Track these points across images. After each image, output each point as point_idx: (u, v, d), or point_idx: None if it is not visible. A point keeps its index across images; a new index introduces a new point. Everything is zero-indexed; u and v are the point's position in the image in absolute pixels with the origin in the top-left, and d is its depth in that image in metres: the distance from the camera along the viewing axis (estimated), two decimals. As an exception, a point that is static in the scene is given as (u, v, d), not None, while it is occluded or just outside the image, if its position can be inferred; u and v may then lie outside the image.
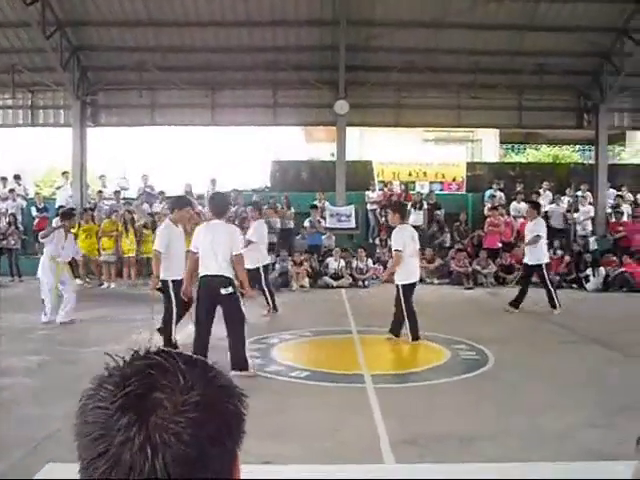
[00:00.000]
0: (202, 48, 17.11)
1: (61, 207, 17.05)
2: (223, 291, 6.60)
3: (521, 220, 17.28)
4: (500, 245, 16.29)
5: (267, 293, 10.71)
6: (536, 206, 12.28)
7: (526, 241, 11.55)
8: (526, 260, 11.53)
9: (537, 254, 11.25)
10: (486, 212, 17.33)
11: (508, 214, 17.35)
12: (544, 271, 11.25)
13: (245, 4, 16.00)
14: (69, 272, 10.08)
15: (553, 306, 11.16)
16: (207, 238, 6.76)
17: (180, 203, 8.24)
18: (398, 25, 16.27)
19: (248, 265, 9.22)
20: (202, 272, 6.75)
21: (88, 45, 17.47)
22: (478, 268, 15.36)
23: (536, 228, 11.39)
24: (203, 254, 6.76)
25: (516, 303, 11.30)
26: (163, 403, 0.75)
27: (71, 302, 9.83)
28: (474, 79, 17.70)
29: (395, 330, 8.52)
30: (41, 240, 10.01)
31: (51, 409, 5.81)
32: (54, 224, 10.15)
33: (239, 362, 6.49)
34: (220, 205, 7.18)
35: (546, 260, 11.49)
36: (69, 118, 18.47)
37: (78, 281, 15.06)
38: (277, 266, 14.59)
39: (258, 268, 10.42)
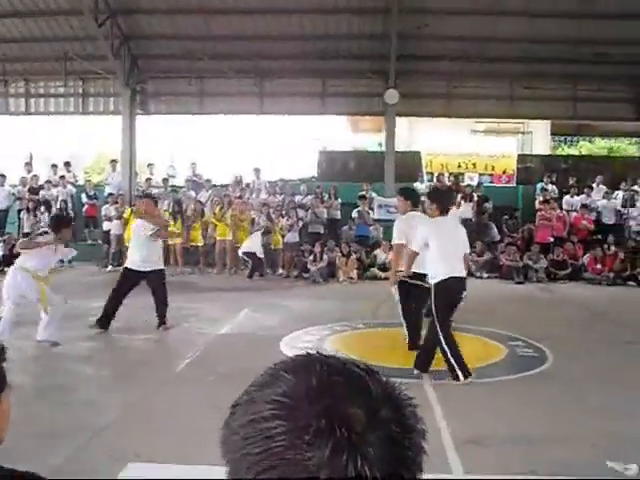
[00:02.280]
0: (252, 36, 17.02)
1: (110, 195, 17.28)
2: (464, 295, 6.31)
3: (574, 214, 16.86)
4: (552, 240, 15.91)
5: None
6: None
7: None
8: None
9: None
10: (537, 205, 16.93)
11: (560, 208, 16.92)
12: None
13: (296, -9, 15.87)
14: (52, 285, 7.93)
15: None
16: (445, 236, 6.33)
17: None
18: (451, 13, 15.92)
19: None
20: (448, 273, 6.21)
21: (139, 33, 17.56)
22: (529, 263, 14.99)
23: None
24: (444, 254, 6.25)
25: None
26: (360, 419, 0.65)
27: (56, 320, 7.71)
28: (528, 69, 17.29)
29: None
30: (19, 250, 7.80)
31: (108, 397, 5.80)
32: (42, 237, 7.77)
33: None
34: (448, 200, 6.90)
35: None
36: (119, 106, 18.64)
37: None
38: (325, 256, 14.48)
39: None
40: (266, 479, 0.64)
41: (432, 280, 6.36)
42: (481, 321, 9.01)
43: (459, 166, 19.39)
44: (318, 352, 0.75)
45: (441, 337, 6.13)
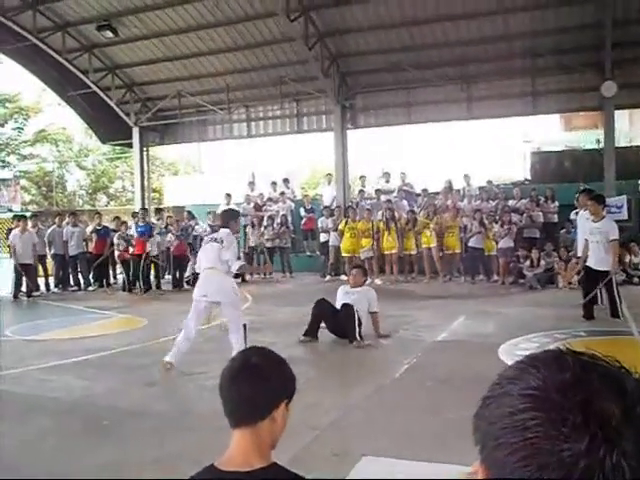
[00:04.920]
0: (455, 42, 16.93)
1: (326, 207, 18.11)
2: None
3: None
4: None
5: None
6: (601, 200, 9.83)
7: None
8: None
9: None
10: None
11: None
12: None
13: (499, -9, 15.49)
14: None
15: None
16: None
17: None
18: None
19: None
20: None
21: (346, 52, 18.24)
22: None
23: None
24: None
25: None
26: (615, 414, 0.68)
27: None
28: None
29: None
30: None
31: (329, 398, 6.13)
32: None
33: None
34: None
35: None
36: (331, 122, 19.52)
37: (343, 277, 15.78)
38: (542, 262, 13.97)
39: None
40: (523, 466, 0.68)
41: None
42: None
43: (693, 157, 17.69)
44: (568, 348, 0.79)
45: None
